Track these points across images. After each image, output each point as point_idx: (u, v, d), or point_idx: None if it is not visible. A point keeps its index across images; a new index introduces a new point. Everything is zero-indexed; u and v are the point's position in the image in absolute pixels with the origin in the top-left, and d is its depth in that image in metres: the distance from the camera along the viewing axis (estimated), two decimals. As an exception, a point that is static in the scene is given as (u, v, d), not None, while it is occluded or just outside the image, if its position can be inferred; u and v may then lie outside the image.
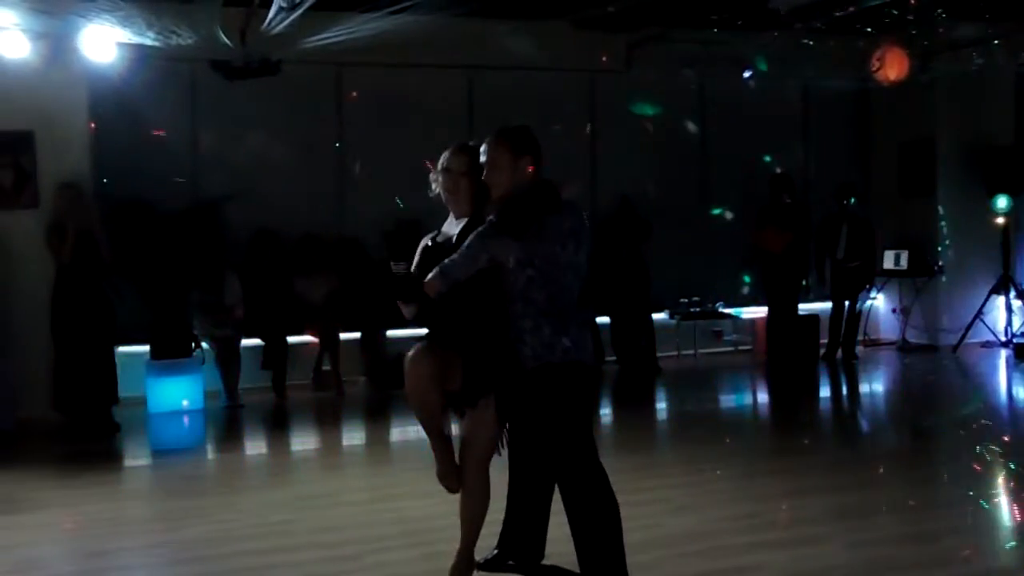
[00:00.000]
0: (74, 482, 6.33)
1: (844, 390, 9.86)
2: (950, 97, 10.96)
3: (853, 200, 10.65)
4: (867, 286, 10.92)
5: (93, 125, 8.47)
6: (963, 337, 10.81)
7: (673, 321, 10.72)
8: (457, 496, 4.17)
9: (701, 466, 6.28)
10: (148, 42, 8.11)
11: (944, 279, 11.12)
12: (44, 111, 8.03)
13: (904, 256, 11.19)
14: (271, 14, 7.68)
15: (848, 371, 10.30)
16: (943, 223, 11.16)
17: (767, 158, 11.19)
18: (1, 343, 7.66)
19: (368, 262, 9.30)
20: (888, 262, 11.34)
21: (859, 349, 10.88)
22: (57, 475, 6.55)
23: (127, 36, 8.04)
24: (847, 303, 10.68)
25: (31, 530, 5.38)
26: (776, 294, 10.37)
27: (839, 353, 10.61)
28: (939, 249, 11.14)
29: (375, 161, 9.64)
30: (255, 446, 7.94)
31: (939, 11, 8.88)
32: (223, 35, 8.30)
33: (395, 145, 9.60)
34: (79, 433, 7.66)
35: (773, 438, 7.78)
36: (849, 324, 10.69)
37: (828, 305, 10.75)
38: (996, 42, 9.90)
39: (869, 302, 11.35)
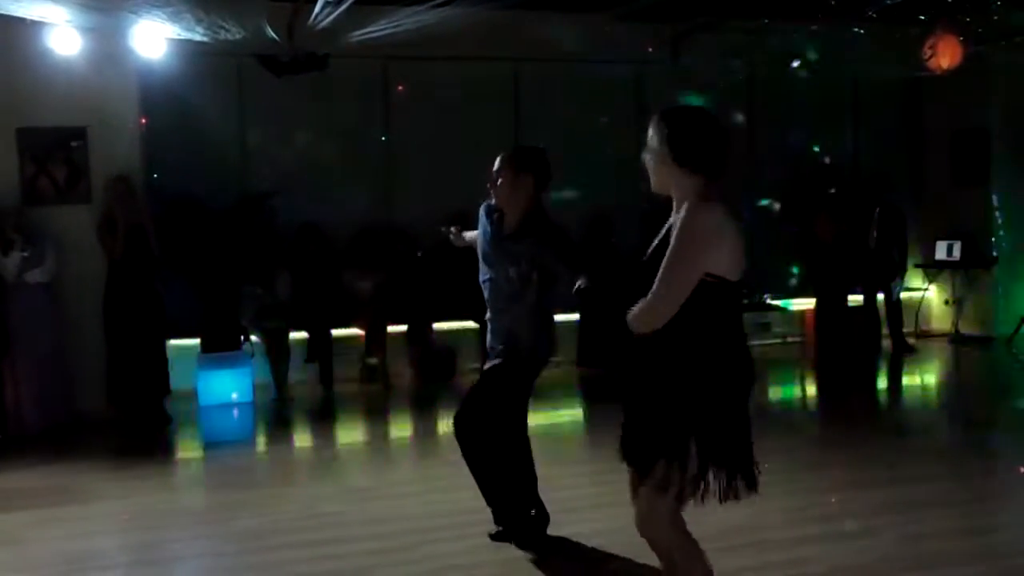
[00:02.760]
0: (128, 474, 6.43)
1: (895, 382, 9.72)
2: (1004, 85, 10.74)
3: (885, 191, 10.52)
4: (899, 275, 10.76)
5: (144, 120, 8.57)
6: (1017, 329, 10.59)
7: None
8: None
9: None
10: (197, 38, 8.18)
11: (997, 270, 10.92)
12: (96, 107, 8.12)
13: (957, 247, 11.00)
14: (317, 8, 7.71)
15: (900, 363, 10.15)
16: (997, 213, 10.96)
17: (816, 148, 11.05)
18: (56, 338, 7.77)
19: (415, 255, 9.35)
20: (941, 253, 11.15)
21: (912, 341, 10.74)
22: (111, 467, 6.65)
23: (176, 32, 8.11)
24: (880, 294, 10.59)
25: (86, 521, 5.47)
26: (825, 285, 10.25)
27: (880, 344, 10.50)
28: (993, 239, 10.94)
29: (422, 154, 9.67)
30: (304, 438, 8.00)
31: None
32: (270, 30, 8.35)
33: (442, 138, 9.63)
34: (132, 426, 7.78)
35: (821, 431, 7.69)
36: (892, 315, 10.56)
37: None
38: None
39: (905, 293, 11.14)
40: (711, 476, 3.05)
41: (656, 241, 3.15)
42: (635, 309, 3.03)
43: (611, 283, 3.23)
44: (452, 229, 5.09)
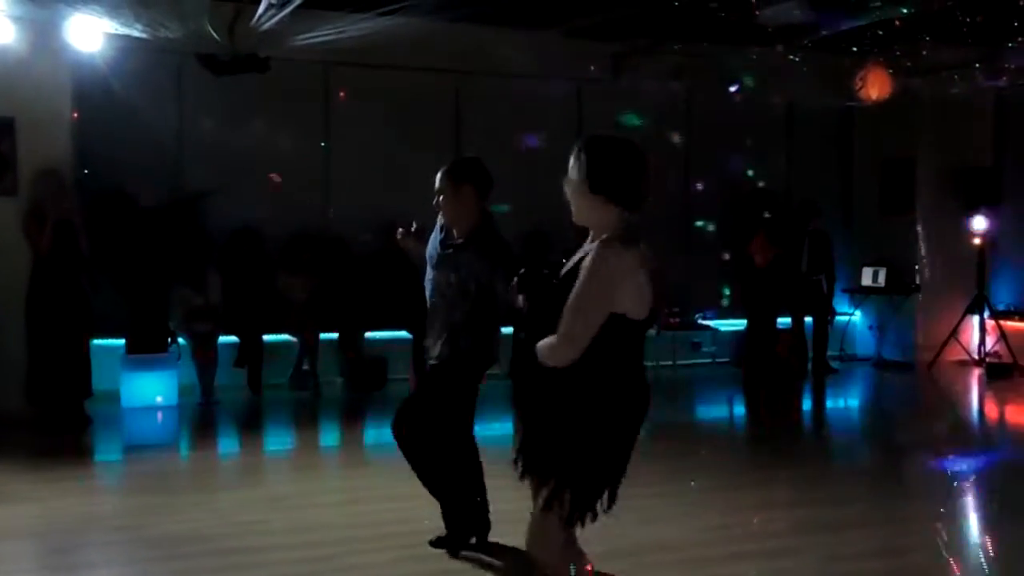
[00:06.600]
0: (44, 476, 6.25)
1: (819, 405, 9.91)
2: (931, 117, 11.05)
3: (814, 217, 10.75)
4: (828, 299, 10.99)
5: (76, 114, 8.38)
6: (937, 355, 10.88)
7: (652, 332, 10.71)
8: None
9: (677, 477, 6.29)
10: (136, 34, 8.05)
11: (920, 297, 11.21)
12: (26, 98, 7.92)
13: (882, 273, 11.29)
14: (260, 10, 7.65)
15: (824, 386, 10.36)
16: (921, 241, 11.26)
17: (750, 173, 11.24)
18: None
19: (351, 262, 9.29)
20: (866, 279, 11.43)
21: (836, 364, 10.96)
22: (27, 469, 6.46)
23: (114, 27, 7.97)
24: (808, 318, 10.79)
25: (-1, 523, 5.32)
26: (756, 308, 10.40)
27: (807, 367, 10.71)
28: (916, 267, 11.23)
29: (361, 160, 9.62)
30: (229, 444, 7.88)
31: (922, 34, 8.97)
32: (211, 30, 8.24)
33: (381, 145, 9.58)
34: (51, 426, 7.57)
35: (747, 451, 7.80)
36: (818, 338, 10.77)
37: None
38: (977, 65, 10.03)
39: (841, 317, 11.38)
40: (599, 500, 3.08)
41: (570, 265, 3.09)
42: (543, 344, 3.00)
43: (541, 302, 3.18)
44: (402, 230, 4.99)
